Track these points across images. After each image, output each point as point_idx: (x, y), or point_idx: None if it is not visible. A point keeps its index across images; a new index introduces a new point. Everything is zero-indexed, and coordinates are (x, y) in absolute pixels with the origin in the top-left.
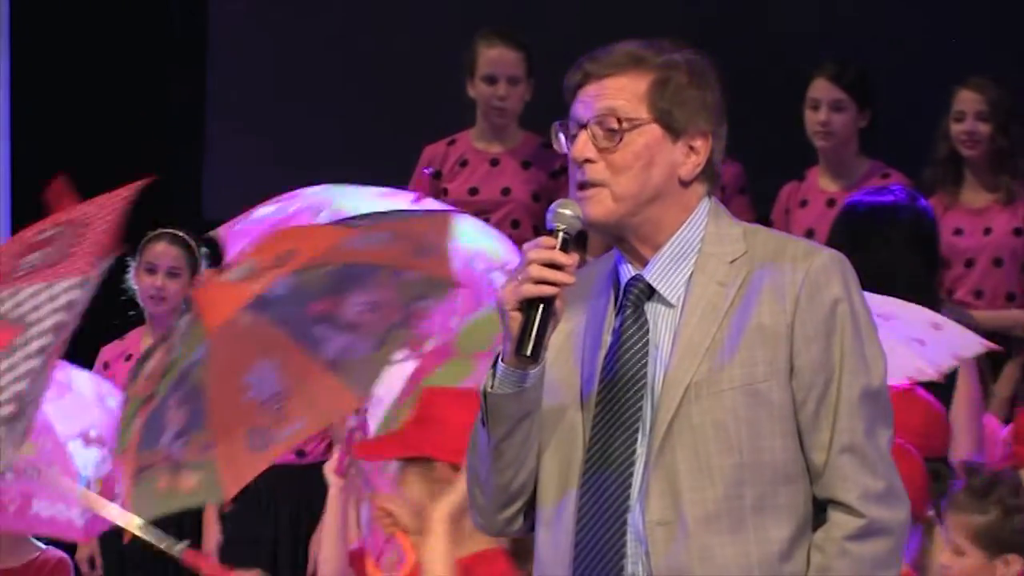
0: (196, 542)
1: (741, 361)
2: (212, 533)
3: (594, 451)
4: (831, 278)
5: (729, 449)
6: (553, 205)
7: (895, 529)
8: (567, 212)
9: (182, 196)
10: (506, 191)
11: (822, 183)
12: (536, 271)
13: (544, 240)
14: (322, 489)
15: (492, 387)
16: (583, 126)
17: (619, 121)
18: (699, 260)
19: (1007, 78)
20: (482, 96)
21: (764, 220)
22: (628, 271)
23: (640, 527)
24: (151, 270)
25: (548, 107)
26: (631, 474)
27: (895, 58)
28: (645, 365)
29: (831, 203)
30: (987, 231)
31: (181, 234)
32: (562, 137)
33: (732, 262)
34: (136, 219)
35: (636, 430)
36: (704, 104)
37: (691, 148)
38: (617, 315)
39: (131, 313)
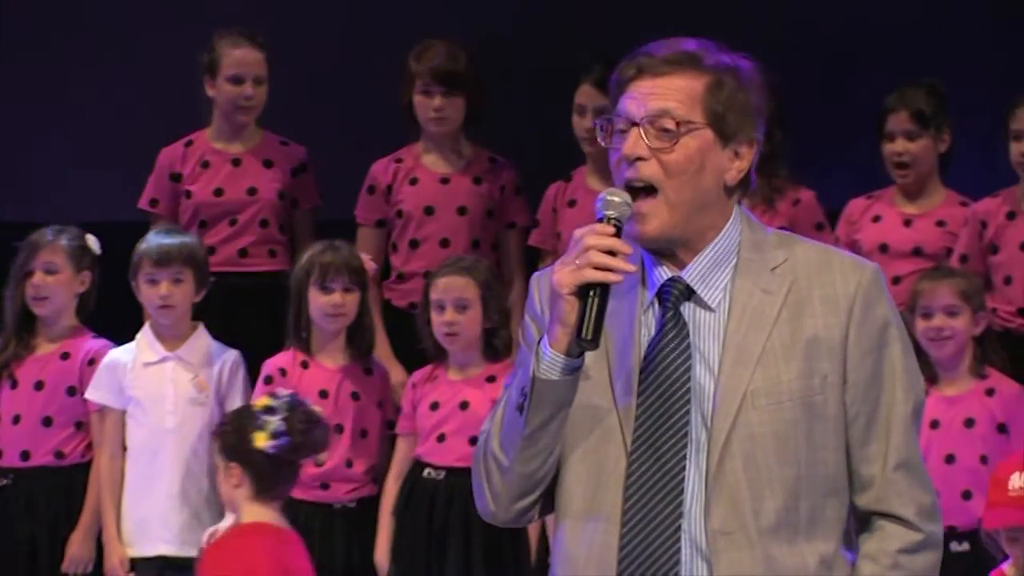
0: None
1: (799, 372)
2: None
3: (639, 453)
4: (880, 294)
5: (789, 461)
6: (603, 194)
7: (941, 541)
8: (617, 199)
9: None
10: (252, 191)
11: (589, 182)
12: (597, 257)
13: (599, 227)
14: (80, 489)
15: (539, 372)
16: (634, 123)
17: (676, 124)
18: (739, 265)
19: (780, 84)
20: (227, 96)
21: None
22: (663, 272)
23: (699, 535)
24: None
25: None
26: (682, 479)
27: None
28: (689, 368)
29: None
30: None
31: None
32: (602, 131)
33: (774, 269)
34: None
35: (685, 435)
36: (753, 110)
37: (736, 154)
38: (647, 313)
39: None
